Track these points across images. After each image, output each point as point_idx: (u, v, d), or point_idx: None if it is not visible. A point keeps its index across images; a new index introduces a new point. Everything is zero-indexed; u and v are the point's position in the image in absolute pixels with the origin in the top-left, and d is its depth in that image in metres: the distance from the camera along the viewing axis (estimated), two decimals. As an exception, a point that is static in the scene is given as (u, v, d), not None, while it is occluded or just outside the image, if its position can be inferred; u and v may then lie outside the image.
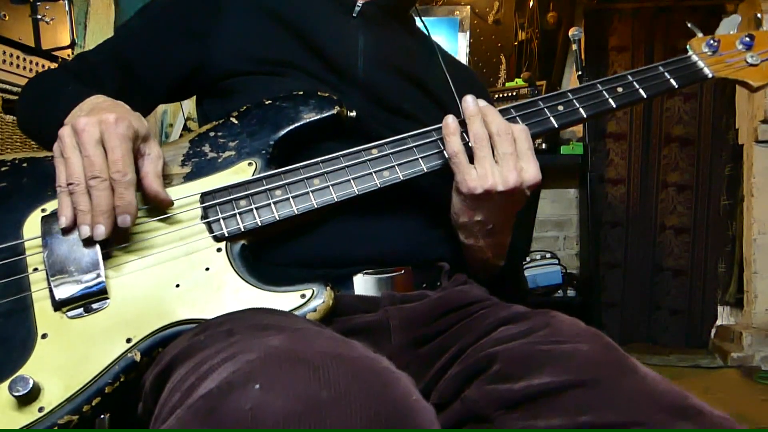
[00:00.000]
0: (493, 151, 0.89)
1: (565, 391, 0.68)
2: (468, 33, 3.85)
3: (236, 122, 0.95)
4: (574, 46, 2.97)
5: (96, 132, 0.78)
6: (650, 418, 0.64)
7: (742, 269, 3.70)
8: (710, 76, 1.06)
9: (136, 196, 0.81)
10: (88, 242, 0.79)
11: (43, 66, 2.05)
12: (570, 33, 2.97)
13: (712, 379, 3.27)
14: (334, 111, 0.95)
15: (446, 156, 0.92)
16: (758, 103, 3.54)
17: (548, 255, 3.76)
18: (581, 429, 0.65)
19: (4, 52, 1.90)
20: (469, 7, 3.87)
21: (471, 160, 0.90)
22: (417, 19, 1.24)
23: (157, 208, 0.85)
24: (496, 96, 3.44)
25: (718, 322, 3.90)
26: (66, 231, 0.79)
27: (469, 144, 0.90)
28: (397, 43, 1.11)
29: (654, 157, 4.12)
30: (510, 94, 3.42)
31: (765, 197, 3.61)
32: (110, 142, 0.78)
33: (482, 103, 0.92)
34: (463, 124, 0.92)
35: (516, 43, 3.95)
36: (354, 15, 1.08)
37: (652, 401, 0.66)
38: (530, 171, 0.89)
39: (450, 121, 0.91)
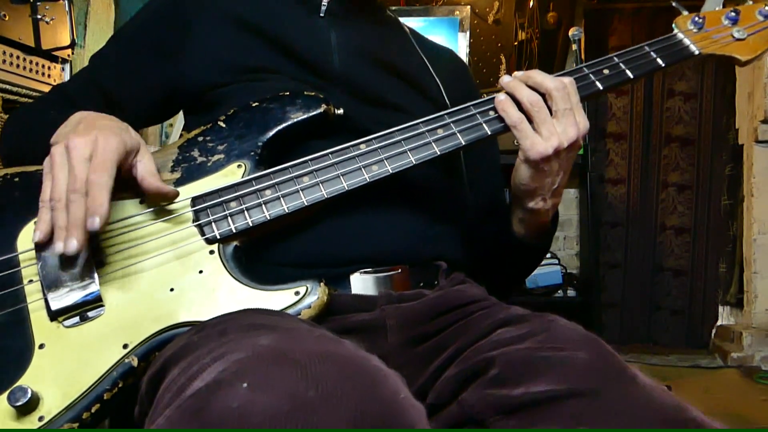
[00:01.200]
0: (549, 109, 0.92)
1: (563, 399, 0.69)
2: (468, 33, 3.84)
3: (224, 126, 0.95)
4: (574, 46, 2.96)
5: (87, 151, 0.77)
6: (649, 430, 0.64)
7: (742, 269, 3.69)
8: (697, 53, 1.06)
9: (133, 204, 0.82)
10: (82, 251, 0.79)
11: (43, 66, 2.05)
12: (570, 33, 2.96)
13: (712, 379, 3.27)
14: (321, 109, 0.95)
15: (435, 149, 0.93)
16: (758, 103, 3.53)
17: (548, 255, 3.76)
18: None
19: (4, 52, 1.89)
20: (469, 7, 3.85)
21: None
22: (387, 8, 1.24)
23: (164, 202, 0.85)
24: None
25: (719, 323, 3.90)
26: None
27: (527, 108, 0.92)
28: (370, 35, 1.11)
29: (654, 157, 4.12)
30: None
31: (765, 197, 3.60)
32: (97, 157, 0.78)
33: (518, 73, 0.96)
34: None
35: (516, 43, 3.94)
36: (321, 14, 1.08)
37: (651, 413, 0.67)
38: (583, 121, 0.93)
39: (502, 96, 0.94)
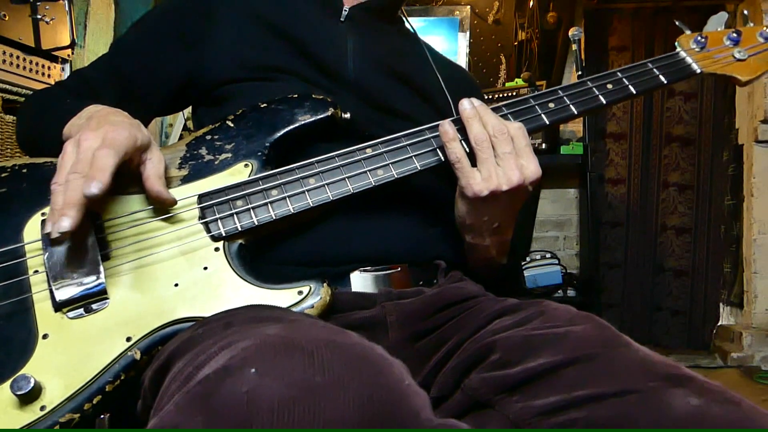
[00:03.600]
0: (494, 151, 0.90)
1: (560, 369, 0.71)
2: (468, 33, 3.85)
3: (232, 125, 0.96)
4: (574, 46, 2.97)
5: (96, 142, 0.78)
6: (644, 386, 0.66)
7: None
8: (698, 71, 1.08)
9: (141, 199, 0.83)
10: (88, 244, 0.80)
11: (43, 66, 2.05)
12: (570, 33, 2.97)
13: (712, 379, 3.26)
14: (329, 113, 0.96)
15: (440, 156, 0.93)
16: (758, 103, 3.54)
17: (548, 255, 3.76)
18: (578, 402, 0.66)
19: (4, 52, 1.90)
20: (469, 7, 3.87)
21: (472, 162, 0.91)
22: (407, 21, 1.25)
23: (161, 207, 0.86)
24: (497, 96, 3.44)
25: (722, 323, 3.90)
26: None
27: (472, 146, 0.90)
28: (387, 45, 1.12)
29: (655, 157, 4.12)
30: (510, 94, 3.42)
31: (765, 197, 3.61)
32: (105, 143, 0.78)
33: (477, 102, 0.93)
34: (459, 127, 0.93)
35: (516, 43, 3.95)
36: (342, 19, 1.09)
37: (645, 371, 0.68)
38: (531, 167, 0.90)
39: (448, 127, 0.92)
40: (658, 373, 0.68)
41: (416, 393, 0.55)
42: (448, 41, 3.81)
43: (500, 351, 0.76)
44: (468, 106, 0.93)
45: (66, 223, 0.72)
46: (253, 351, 0.54)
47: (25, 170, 0.89)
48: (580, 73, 2.95)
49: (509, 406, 0.71)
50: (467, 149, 0.92)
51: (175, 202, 0.86)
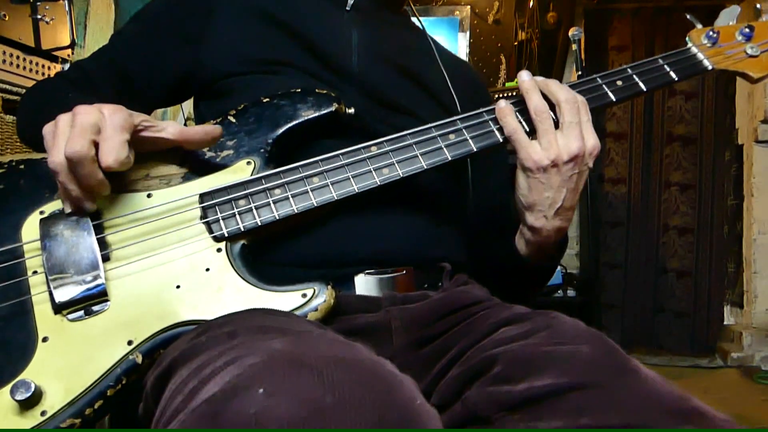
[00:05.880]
0: (556, 121, 0.92)
1: (566, 393, 0.68)
2: (468, 33, 3.85)
3: (234, 121, 0.94)
4: (574, 46, 2.96)
5: (93, 117, 0.76)
6: (652, 421, 0.64)
7: (745, 269, 3.70)
8: (710, 68, 1.06)
9: (141, 199, 0.82)
10: (88, 244, 0.79)
11: (43, 66, 2.04)
12: (570, 33, 2.96)
13: (712, 379, 3.27)
14: (333, 108, 0.94)
15: (447, 155, 0.92)
16: (758, 103, 3.54)
17: (548, 254, 3.75)
18: (582, 431, 0.64)
19: (4, 52, 1.89)
20: (469, 7, 3.87)
21: (530, 136, 0.93)
22: (414, 16, 1.24)
23: (210, 145, 0.87)
24: (497, 96, 3.43)
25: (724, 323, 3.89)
26: (66, 230, 0.79)
27: (531, 117, 0.92)
28: (392, 38, 1.10)
29: (656, 157, 4.12)
30: (510, 95, 3.42)
31: (765, 197, 3.61)
32: (106, 131, 0.77)
33: (539, 78, 0.95)
34: (516, 104, 0.95)
35: (516, 43, 3.95)
36: (347, 9, 1.07)
37: (654, 404, 0.66)
38: (591, 139, 0.92)
39: (503, 104, 0.94)
40: (666, 407, 0.66)
41: (428, 412, 0.54)
42: (448, 41, 3.80)
43: (503, 364, 0.74)
44: (527, 78, 0.95)
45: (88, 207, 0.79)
46: (261, 369, 0.53)
47: (22, 166, 0.87)
48: (580, 73, 2.95)
49: (510, 425, 0.69)
50: (526, 127, 0.93)
51: (221, 130, 0.87)
